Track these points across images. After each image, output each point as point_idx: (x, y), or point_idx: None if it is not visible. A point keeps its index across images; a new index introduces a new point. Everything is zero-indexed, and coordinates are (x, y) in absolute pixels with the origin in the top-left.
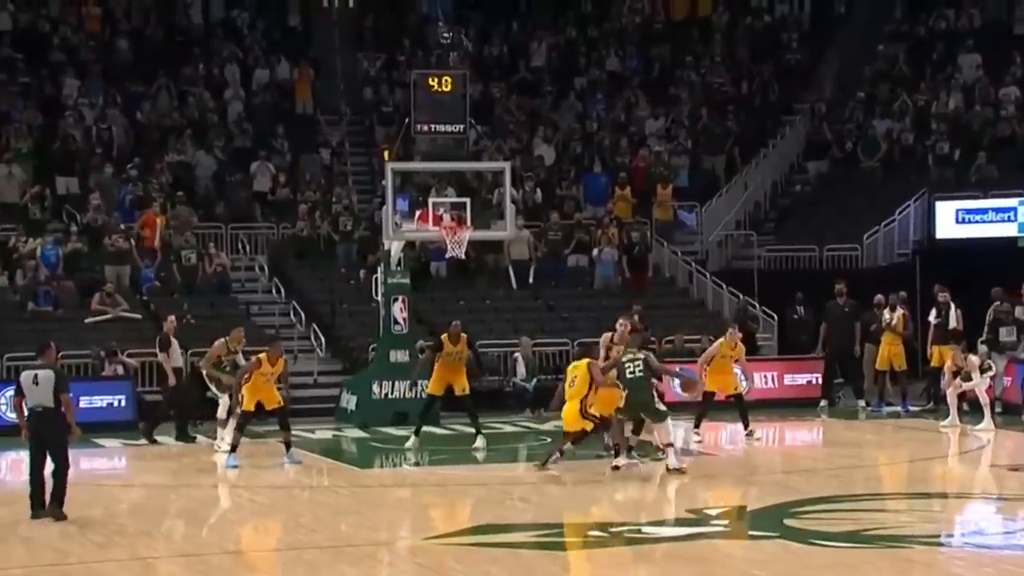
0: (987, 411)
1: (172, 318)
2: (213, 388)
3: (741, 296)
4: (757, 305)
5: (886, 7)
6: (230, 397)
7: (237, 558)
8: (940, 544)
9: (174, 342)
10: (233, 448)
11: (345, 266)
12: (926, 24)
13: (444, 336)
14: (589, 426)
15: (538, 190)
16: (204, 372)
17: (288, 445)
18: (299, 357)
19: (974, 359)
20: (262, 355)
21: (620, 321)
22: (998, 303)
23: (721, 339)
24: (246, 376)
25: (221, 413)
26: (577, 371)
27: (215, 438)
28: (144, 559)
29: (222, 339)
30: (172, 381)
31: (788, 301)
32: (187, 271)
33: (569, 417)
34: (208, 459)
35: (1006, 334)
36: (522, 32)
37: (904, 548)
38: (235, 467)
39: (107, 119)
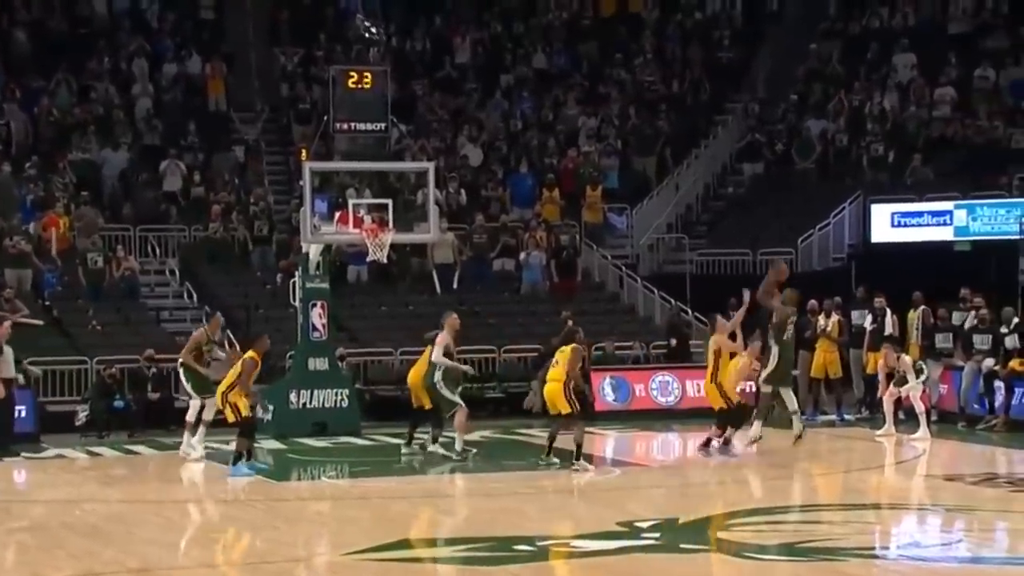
0: (923, 419)
1: (7, 323)
2: (187, 387)
3: (673, 302)
4: (689, 311)
5: (820, 5)
6: (204, 398)
7: None
8: (875, 556)
9: (7, 350)
10: (248, 456)
11: (261, 270)
12: (860, 23)
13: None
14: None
15: (463, 191)
16: (182, 364)
17: (249, 453)
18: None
19: (907, 359)
20: (253, 354)
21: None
22: (924, 307)
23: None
24: (247, 382)
25: (190, 416)
26: (562, 355)
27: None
28: None
29: (201, 328)
30: (1, 393)
31: (721, 307)
32: (93, 275)
33: (553, 397)
34: (115, 472)
35: (942, 341)
36: (445, 27)
37: (839, 561)
38: (249, 474)
39: (5, 114)
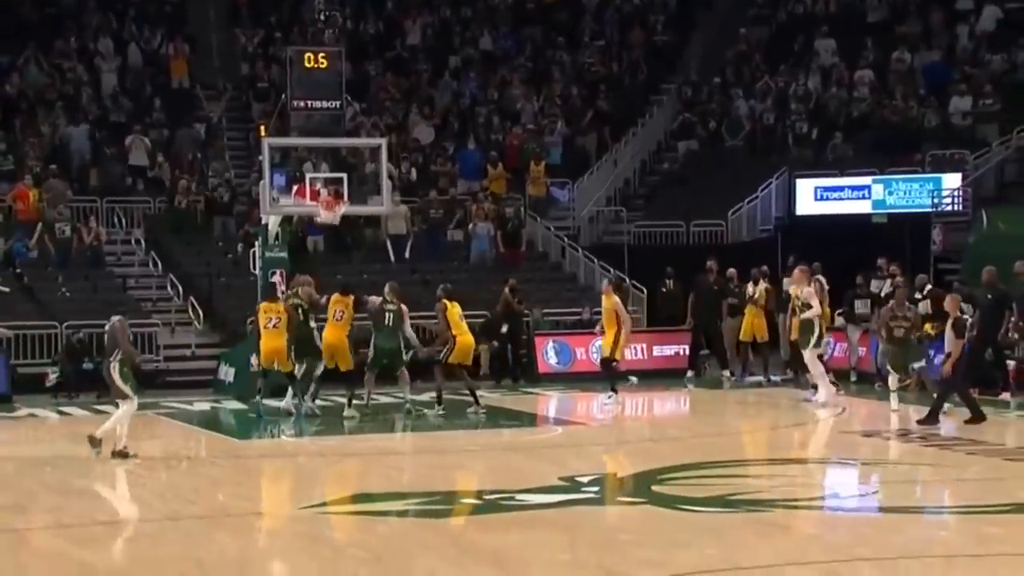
0: (822, 380)
1: None
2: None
3: (612, 270)
4: (627, 279)
5: None
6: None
7: (113, 528)
8: (799, 507)
9: None
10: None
11: (222, 240)
12: (786, 9)
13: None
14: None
15: (413, 167)
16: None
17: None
18: (177, 330)
19: (809, 289)
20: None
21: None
22: (819, 277)
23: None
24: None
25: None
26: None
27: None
28: (17, 531)
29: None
30: None
31: (658, 275)
32: (60, 243)
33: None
34: (85, 430)
35: (861, 307)
36: (397, 10)
37: (765, 512)
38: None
39: None
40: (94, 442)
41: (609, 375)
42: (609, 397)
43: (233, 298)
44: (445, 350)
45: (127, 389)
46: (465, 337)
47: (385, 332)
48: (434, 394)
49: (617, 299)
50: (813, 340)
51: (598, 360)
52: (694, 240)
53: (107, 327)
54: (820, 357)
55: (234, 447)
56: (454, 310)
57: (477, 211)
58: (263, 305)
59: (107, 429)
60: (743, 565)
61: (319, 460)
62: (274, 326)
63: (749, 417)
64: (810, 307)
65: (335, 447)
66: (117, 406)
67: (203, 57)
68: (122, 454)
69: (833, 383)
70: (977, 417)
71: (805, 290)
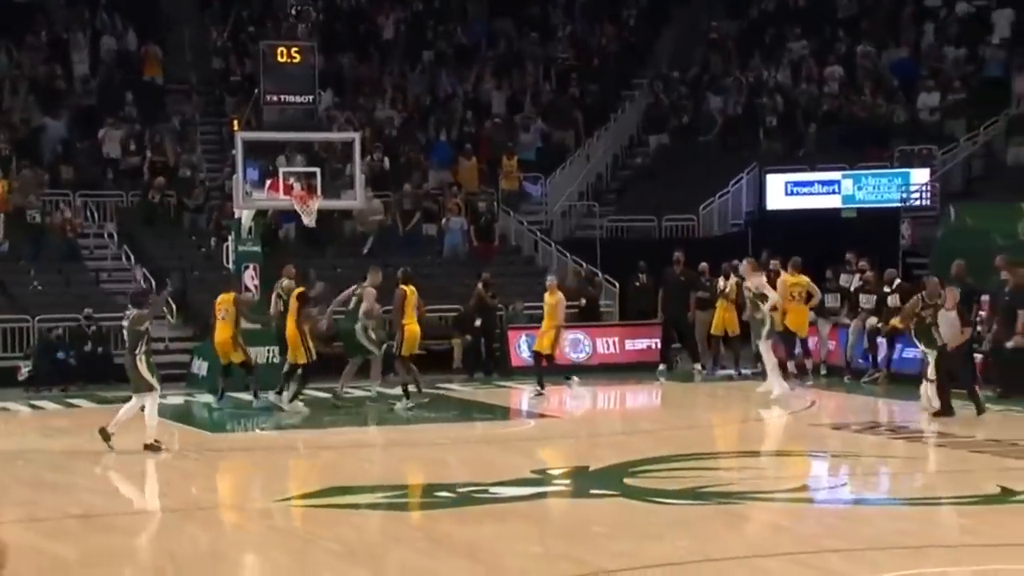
0: (773, 374)
1: None
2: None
3: (584, 264)
4: (600, 273)
5: None
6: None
7: (85, 522)
8: (769, 499)
9: None
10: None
11: (196, 234)
12: (758, 5)
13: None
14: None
15: (386, 159)
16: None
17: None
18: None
19: (761, 280)
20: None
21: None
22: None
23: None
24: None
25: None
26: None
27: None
28: None
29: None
30: None
31: (630, 269)
32: (32, 229)
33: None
34: (57, 424)
35: (830, 300)
36: (370, 3)
37: (736, 504)
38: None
39: None
40: (105, 435)
41: (538, 370)
42: (538, 394)
43: (207, 292)
44: (395, 343)
45: (153, 380)
46: (412, 326)
47: (349, 314)
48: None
49: (561, 296)
50: (766, 331)
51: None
52: (665, 234)
53: (125, 321)
54: (806, 348)
55: (207, 440)
56: (412, 297)
57: (450, 206)
58: (219, 297)
59: (119, 421)
60: (714, 556)
61: (292, 454)
62: (222, 318)
63: (720, 410)
64: (766, 298)
65: (308, 440)
66: (130, 399)
67: (175, 51)
68: (154, 447)
69: (794, 375)
70: (946, 411)
71: (756, 281)
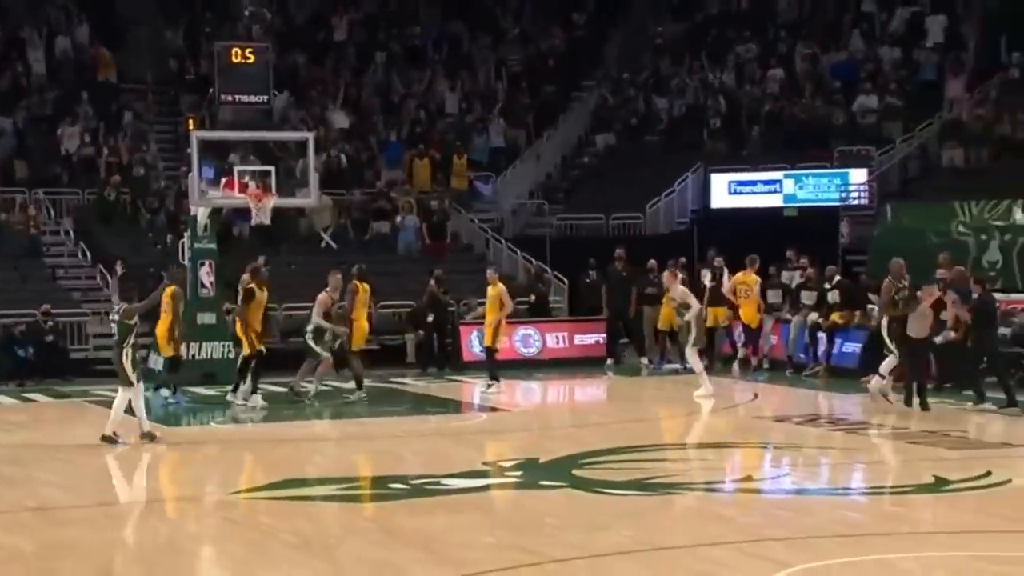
0: (703, 377)
1: None
2: (317, 345)
3: (534, 261)
4: (549, 270)
5: None
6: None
7: (43, 515)
8: (713, 490)
9: None
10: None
11: (152, 231)
12: (702, 8)
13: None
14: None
15: (341, 157)
16: (316, 326)
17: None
18: (106, 319)
19: (682, 288)
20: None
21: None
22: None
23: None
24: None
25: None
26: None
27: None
28: None
29: (324, 292)
30: None
31: (579, 266)
32: None
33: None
34: (14, 419)
35: (772, 296)
36: (324, 5)
37: (681, 494)
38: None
39: None
40: (110, 439)
41: (490, 364)
42: (488, 387)
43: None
44: (345, 337)
45: (133, 376)
46: (361, 322)
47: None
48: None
49: (503, 287)
50: (692, 339)
51: (482, 349)
52: (613, 232)
53: (113, 316)
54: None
55: (165, 434)
56: (363, 294)
57: (403, 204)
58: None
59: (114, 421)
60: (661, 546)
61: (248, 447)
62: (164, 311)
63: (666, 403)
64: (688, 307)
65: (264, 434)
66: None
67: (131, 50)
68: (149, 435)
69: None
70: (910, 400)
71: (678, 290)
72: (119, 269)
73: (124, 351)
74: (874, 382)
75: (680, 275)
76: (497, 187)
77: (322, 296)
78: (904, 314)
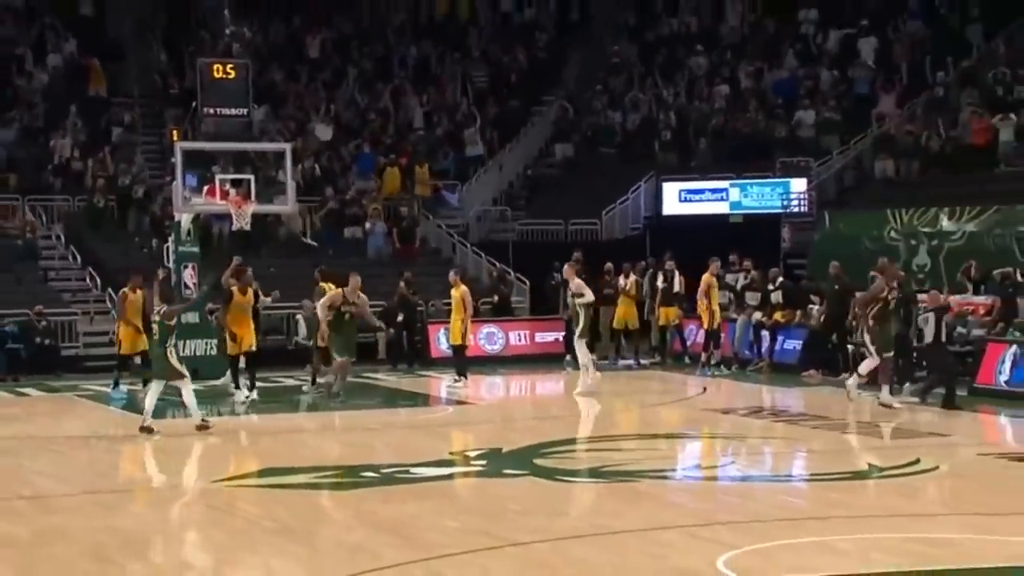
0: (585, 371)
1: None
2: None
3: (498, 264)
4: (512, 272)
5: (620, 14)
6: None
7: (35, 503)
8: (664, 477)
9: None
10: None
11: (138, 235)
12: (654, 30)
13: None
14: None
15: (316, 167)
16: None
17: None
18: (95, 318)
19: (579, 281)
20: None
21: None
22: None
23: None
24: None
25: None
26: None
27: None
28: None
29: (340, 289)
30: None
31: (540, 269)
32: None
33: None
34: (7, 411)
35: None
36: (301, 24)
37: (635, 482)
38: None
39: None
40: (147, 430)
41: (458, 361)
42: (456, 381)
43: (148, 290)
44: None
45: (183, 368)
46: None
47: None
48: (330, 379)
49: (465, 288)
50: (580, 329)
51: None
52: (572, 237)
53: (154, 317)
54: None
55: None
56: (331, 293)
57: (372, 211)
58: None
59: (148, 410)
60: (615, 530)
61: (231, 437)
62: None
63: (621, 396)
64: (582, 296)
65: (246, 426)
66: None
67: (119, 66)
68: (148, 429)
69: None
70: (951, 401)
71: (575, 282)
72: (160, 274)
73: (168, 349)
74: (851, 381)
75: (578, 268)
76: (463, 195)
77: (335, 292)
78: (891, 315)
